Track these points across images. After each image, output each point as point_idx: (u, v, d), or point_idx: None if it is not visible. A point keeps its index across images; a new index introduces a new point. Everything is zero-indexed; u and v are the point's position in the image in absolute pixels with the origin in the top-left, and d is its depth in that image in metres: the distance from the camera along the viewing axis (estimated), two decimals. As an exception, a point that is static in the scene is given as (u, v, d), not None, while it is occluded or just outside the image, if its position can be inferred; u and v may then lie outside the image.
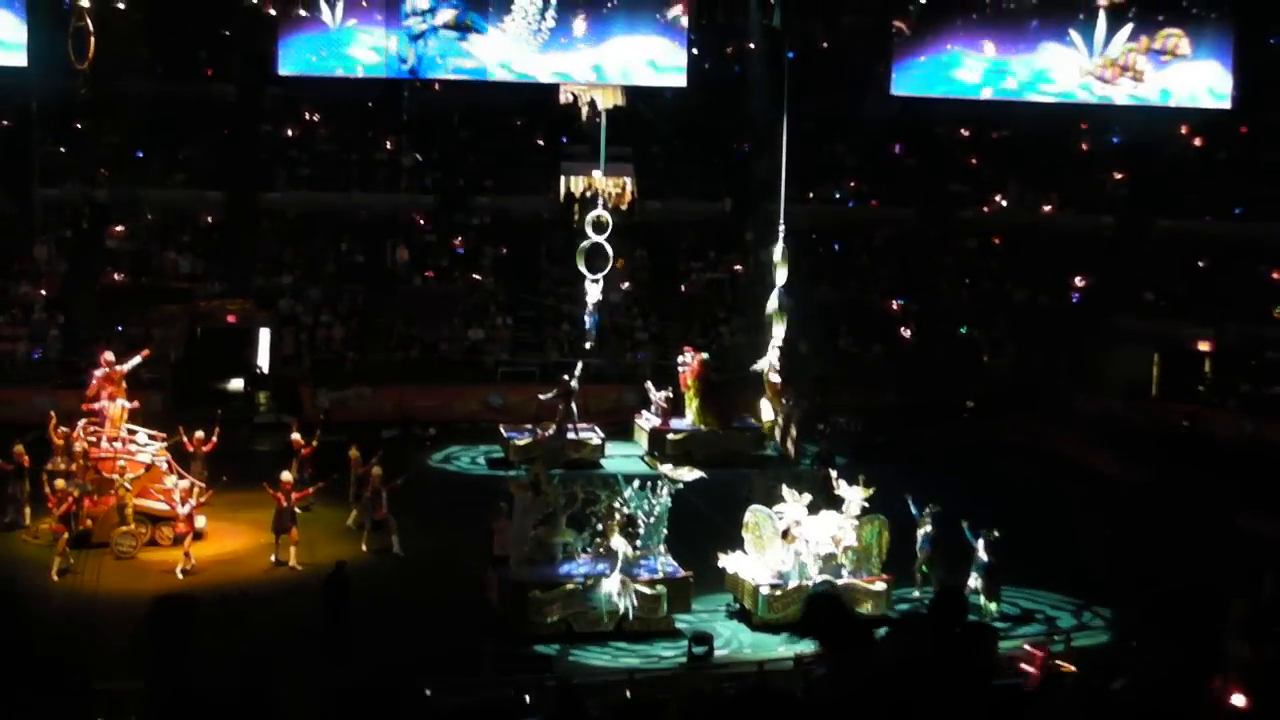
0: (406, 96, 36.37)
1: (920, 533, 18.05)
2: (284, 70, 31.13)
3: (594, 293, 26.19)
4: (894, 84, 33.70)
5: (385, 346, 32.07)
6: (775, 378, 22.54)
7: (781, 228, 21.48)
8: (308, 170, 36.66)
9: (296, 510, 19.31)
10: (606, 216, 26.48)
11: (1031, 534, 19.35)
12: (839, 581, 17.01)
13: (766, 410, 22.99)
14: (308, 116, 37.80)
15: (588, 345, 27.11)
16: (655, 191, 37.68)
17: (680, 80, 31.86)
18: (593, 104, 28.70)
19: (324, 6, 30.21)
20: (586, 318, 26.59)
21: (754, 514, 17.58)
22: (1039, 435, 27.92)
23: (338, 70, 30.95)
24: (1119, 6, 32.56)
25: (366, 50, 30.58)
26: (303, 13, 30.03)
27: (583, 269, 26.46)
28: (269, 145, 37.06)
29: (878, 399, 30.16)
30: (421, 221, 35.80)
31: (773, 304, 21.92)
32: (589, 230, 26.30)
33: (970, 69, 33.30)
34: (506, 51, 30.52)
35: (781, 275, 22.19)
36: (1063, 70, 33.05)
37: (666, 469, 18.77)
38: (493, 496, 18.75)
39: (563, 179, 37.11)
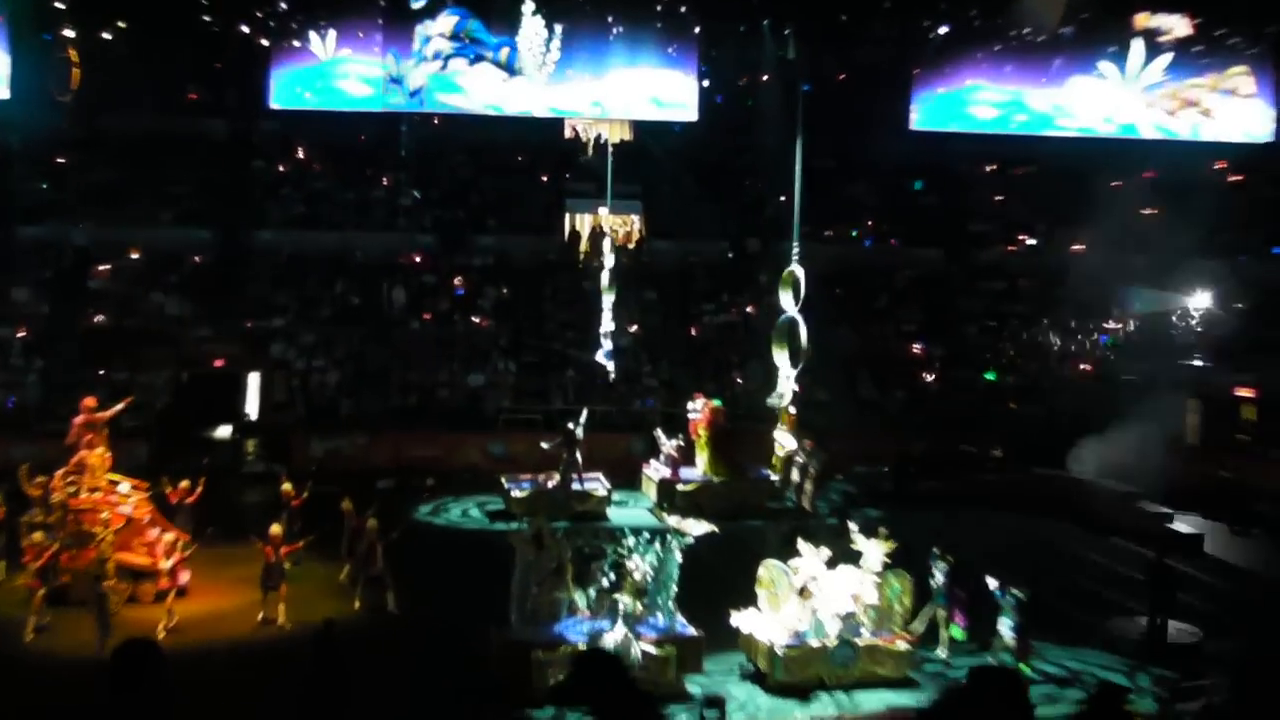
0: (405, 132, 36.65)
1: (933, 583, 17.90)
2: (276, 104, 31.43)
3: (608, 322, 26.07)
4: (915, 118, 33.87)
5: (381, 393, 32.12)
6: (792, 409, 22.28)
7: (795, 251, 21.22)
8: (302, 208, 36.93)
9: (286, 565, 19.17)
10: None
11: (1065, 591, 19.10)
12: (859, 641, 16.84)
13: (785, 439, 22.46)
14: (301, 153, 38.12)
15: (611, 375, 26.95)
16: (664, 231, 37.88)
17: (690, 114, 32.07)
18: (599, 139, 28.87)
19: (314, 37, 30.51)
20: (603, 351, 26.45)
21: (768, 569, 17.44)
22: (1071, 487, 27.73)
23: (331, 103, 31.21)
24: (1153, 34, 32.72)
25: (359, 83, 30.87)
26: (295, 43, 30.36)
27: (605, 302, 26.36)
28: (261, 182, 37.38)
29: (900, 448, 30.05)
30: (420, 262, 35.95)
31: (779, 331, 21.46)
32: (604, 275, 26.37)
33: (986, 103, 33.49)
34: (508, 86, 30.77)
35: (788, 300, 21.89)
36: (1085, 104, 33.18)
37: (676, 522, 18.66)
38: (493, 551, 18.59)
39: (568, 217, 37.46)
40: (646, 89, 31.18)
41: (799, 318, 21.57)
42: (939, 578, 17.85)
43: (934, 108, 33.87)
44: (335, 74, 30.88)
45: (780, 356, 21.59)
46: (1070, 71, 33.13)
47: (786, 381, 22.25)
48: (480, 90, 30.67)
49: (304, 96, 31.09)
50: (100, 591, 17.73)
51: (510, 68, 30.25)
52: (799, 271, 21.55)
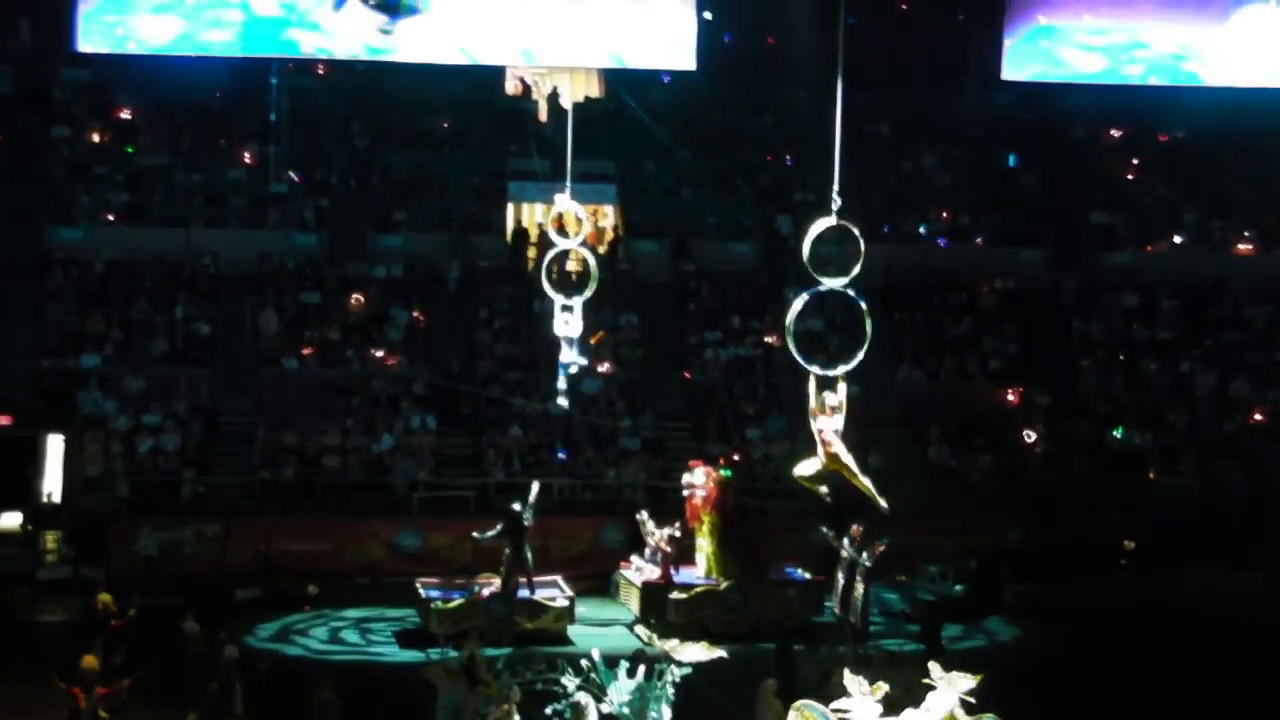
0: (276, 87, 36.77)
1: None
2: (85, 46, 31.45)
3: (569, 328, 25.71)
4: (1006, 64, 34.14)
5: (242, 463, 32.06)
6: (831, 431, 20.94)
7: (836, 199, 20.31)
8: (124, 195, 36.92)
9: (102, 715, 19.15)
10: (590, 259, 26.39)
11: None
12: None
13: (806, 466, 21.61)
14: (123, 115, 38.16)
15: (562, 403, 26.72)
16: (649, 227, 37.99)
17: (686, 61, 32.28)
18: (554, 96, 28.96)
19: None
20: (560, 369, 26.10)
21: (800, 713, 17.49)
22: (1236, 593, 27.82)
23: (175, 47, 31.27)
24: None
25: (212, 18, 30.89)
26: None
27: (550, 290, 25.90)
28: (63, 158, 37.34)
29: (988, 537, 30.09)
30: (298, 272, 35.99)
31: (794, 310, 20.20)
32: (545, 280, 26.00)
33: (1100, 46, 33.68)
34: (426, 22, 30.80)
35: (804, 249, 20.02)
36: (1252, 46, 33.40)
37: (668, 645, 18.69)
38: (405, 690, 18.48)
39: (511, 208, 37.59)
40: (612, 25, 30.99)
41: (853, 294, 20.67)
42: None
43: (1033, 47, 34.13)
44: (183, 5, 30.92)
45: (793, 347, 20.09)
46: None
47: (822, 396, 20.97)
48: (350, 26, 30.56)
49: (118, 34, 31.11)
50: None
51: None
52: (849, 228, 20.44)
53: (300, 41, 30.77)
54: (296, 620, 26.59)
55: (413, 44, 30.53)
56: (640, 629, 25.66)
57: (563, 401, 26.17)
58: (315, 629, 26.31)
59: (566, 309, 24.94)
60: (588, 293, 25.16)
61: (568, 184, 26.41)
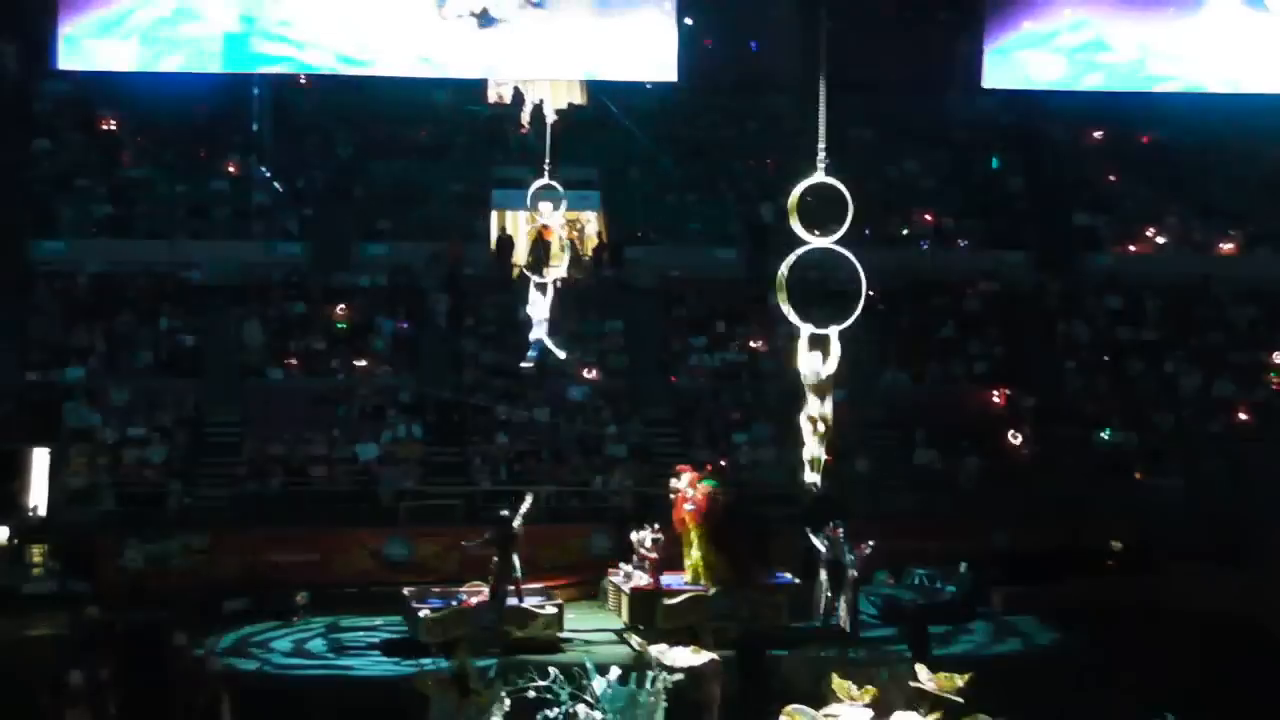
0: (258, 97, 36.74)
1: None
2: (66, 64, 31.32)
3: (541, 305, 25.56)
4: (986, 73, 34.01)
5: (228, 474, 32.01)
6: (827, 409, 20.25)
7: (822, 158, 19.97)
8: (107, 208, 36.85)
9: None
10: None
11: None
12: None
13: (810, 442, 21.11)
14: (105, 127, 38.08)
15: (523, 366, 26.65)
16: (633, 234, 38.00)
17: (669, 74, 32.04)
18: (539, 105, 28.99)
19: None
20: (533, 347, 26.01)
21: (791, 718, 17.45)
22: (1222, 594, 27.82)
23: (154, 62, 31.09)
24: None
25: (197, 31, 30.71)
26: None
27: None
28: (46, 170, 37.28)
29: (976, 540, 30.09)
30: (283, 283, 35.94)
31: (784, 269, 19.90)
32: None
33: (1055, 50, 33.54)
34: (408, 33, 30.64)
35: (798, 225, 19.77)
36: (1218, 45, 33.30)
37: (658, 651, 18.66)
38: (395, 700, 18.42)
39: (494, 216, 37.57)
40: (587, 40, 30.76)
41: (843, 250, 20.32)
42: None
43: (1012, 56, 33.91)
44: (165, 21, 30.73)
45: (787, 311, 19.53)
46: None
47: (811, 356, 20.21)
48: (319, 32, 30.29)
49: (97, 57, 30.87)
50: None
51: None
52: (834, 183, 20.13)
53: (270, 53, 30.57)
54: (298, 635, 26.49)
55: (385, 58, 30.37)
56: (632, 635, 25.59)
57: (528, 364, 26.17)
58: (319, 640, 26.23)
59: (539, 288, 24.98)
60: (560, 269, 25.27)
61: (553, 191, 26.30)
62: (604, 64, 30.80)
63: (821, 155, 19.47)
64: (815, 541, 25.49)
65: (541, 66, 29.17)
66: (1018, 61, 33.33)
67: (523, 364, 26.43)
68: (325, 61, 30.16)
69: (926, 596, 28.64)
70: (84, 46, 30.22)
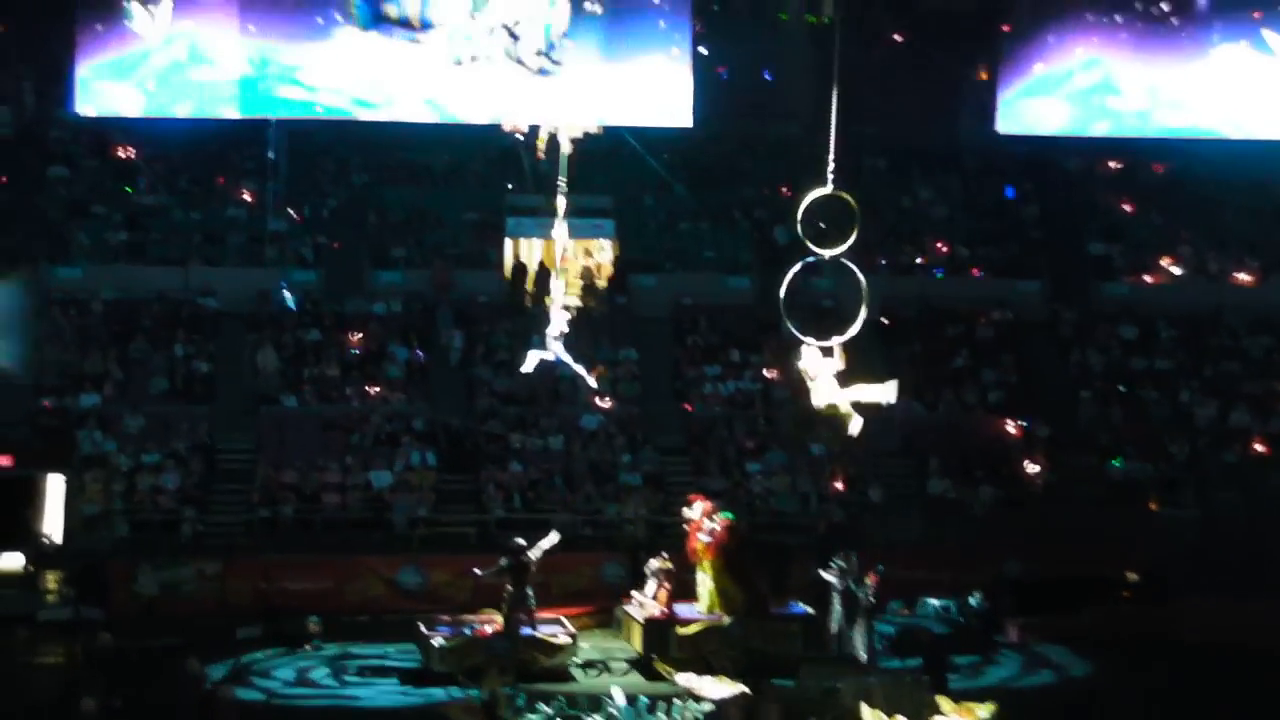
0: (274, 126, 36.77)
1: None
2: (82, 109, 31.40)
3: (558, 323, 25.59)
4: (999, 120, 34.02)
5: (241, 500, 31.99)
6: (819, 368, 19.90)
7: (831, 172, 20.12)
8: (123, 235, 36.95)
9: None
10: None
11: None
12: None
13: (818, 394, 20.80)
14: (122, 154, 38.18)
15: (523, 369, 26.67)
16: (647, 261, 38.03)
17: (684, 119, 31.92)
18: (553, 134, 29.05)
19: (134, 6, 30.25)
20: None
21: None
22: (1240, 626, 27.72)
23: (167, 107, 31.19)
24: None
25: (209, 75, 30.74)
26: (99, 27, 30.15)
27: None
28: (62, 198, 37.39)
29: (990, 569, 30.01)
30: (297, 310, 35.97)
31: (790, 275, 19.90)
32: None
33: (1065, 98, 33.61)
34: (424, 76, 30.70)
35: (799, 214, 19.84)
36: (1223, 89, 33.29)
37: (688, 680, 18.64)
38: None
39: (508, 243, 37.62)
40: (599, 92, 30.71)
41: (853, 267, 20.40)
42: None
43: (1024, 102, 33.88)
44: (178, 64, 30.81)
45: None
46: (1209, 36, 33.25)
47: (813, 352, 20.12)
48: (327, 72, 30.38)
49: (117, 96, 30.93)
50: None
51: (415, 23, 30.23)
52: (844, 196, 20.20)
53: (285, 96, 30.75)
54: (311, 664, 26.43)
55: (397, 102, 30.68)
56: (660, 665, 25.50)
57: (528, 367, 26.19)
58: (334, 669, 26.17)
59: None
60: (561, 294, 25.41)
61: (565, 217, 26.33)
62: (616, 111, 30.97)
63: (831, 168, 19.70)
64: (826, 576, 25.47)
65: (554, 113, 29.40)
66: (1029, 109, 33.62)
67: (523, 367, 26.42)
68: (340, 104, 30.45)
69: (941, 626, 28.55)
70: (97, 89, 30.48)
